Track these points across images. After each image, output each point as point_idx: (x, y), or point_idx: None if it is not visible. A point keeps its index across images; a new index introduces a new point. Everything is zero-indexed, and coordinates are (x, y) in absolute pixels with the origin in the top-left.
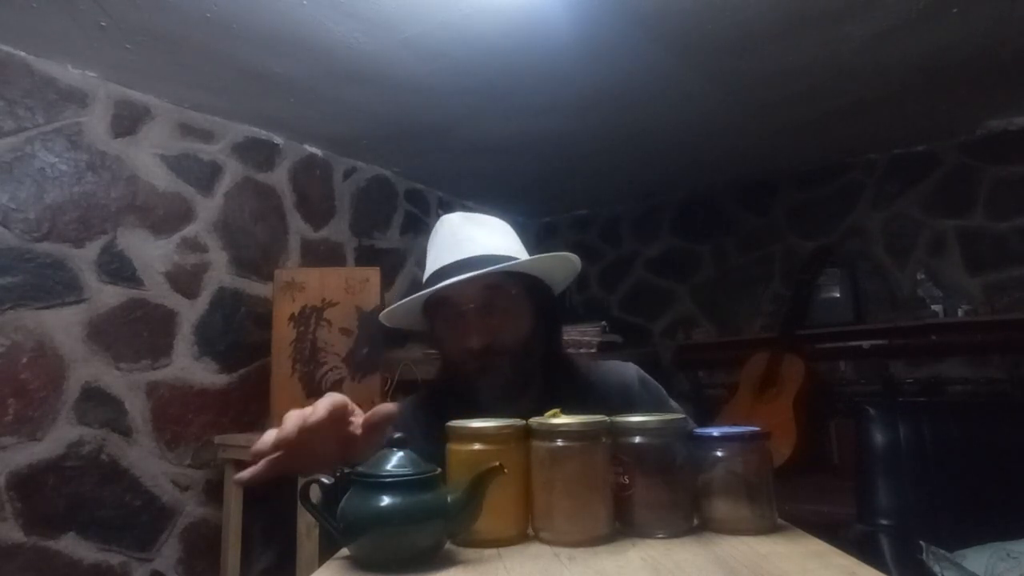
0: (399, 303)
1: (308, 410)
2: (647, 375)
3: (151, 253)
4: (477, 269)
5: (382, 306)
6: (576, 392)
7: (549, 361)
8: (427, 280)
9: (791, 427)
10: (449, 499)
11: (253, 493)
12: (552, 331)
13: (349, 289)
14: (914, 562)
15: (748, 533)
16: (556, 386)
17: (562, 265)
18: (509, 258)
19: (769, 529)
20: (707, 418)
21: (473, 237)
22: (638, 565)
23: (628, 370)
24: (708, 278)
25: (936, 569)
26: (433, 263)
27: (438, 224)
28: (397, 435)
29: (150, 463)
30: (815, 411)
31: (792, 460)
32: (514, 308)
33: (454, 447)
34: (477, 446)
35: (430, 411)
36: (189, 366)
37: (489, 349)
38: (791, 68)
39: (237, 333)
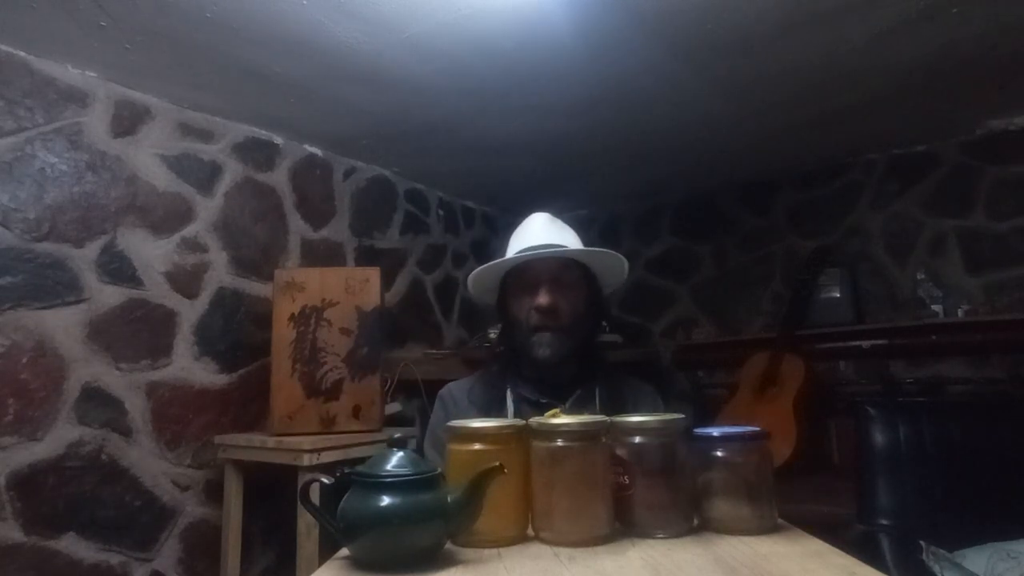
0: (499, 260)
1: None
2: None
3: (151, 253)
4: (556, 251)
5: (382, 306)
6: (609, 382)
7: (589, 346)
8: (517, 253)
9: (791, 427)
10: (449, 499)
11: (253, 493)
12: (596, 325)
13: (349, 289)
14: (914, 562)
15: (748, 533)
16: (592, 368)
17: (615, 268)
18: (591, 251)
19: (769, 529)
20: (707, 418)
21: (552, 231)
22: (638, 565)
23: (649, 386)
24: (708, 278)
25: (936, 569)
26: (520, 243)
27: (528, 219)
28: (397, 435)
29: (150, 463)
30: (815, 411)
31: (792, 460)
32: (576, 288)
33: (454, 447)
34: (477, 446)
35: (488, 385)
36: (189, 366)
37: (554, 308)
38: (791, 68)
39: (237, 333)
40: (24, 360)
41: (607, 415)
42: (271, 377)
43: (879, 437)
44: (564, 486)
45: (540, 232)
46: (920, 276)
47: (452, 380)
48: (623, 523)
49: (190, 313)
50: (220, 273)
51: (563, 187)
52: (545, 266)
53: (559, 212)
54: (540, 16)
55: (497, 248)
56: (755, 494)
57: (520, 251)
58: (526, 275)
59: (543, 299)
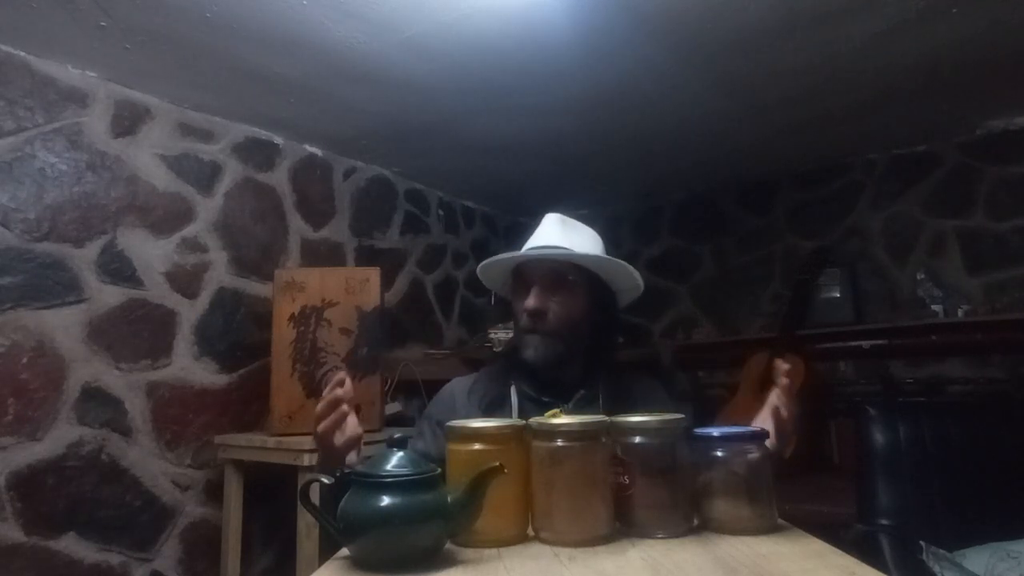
0: (495, 258)
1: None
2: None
3: (151, 253)
4: (545, 253)
5: (382, 306)
6: (615, 381)
7: (597, 351)
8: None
9: None
10: (449, 499)
11: (253, 493)
12: (606, 331)
13: (349, 289)
14: (914, 562)
15: (748, 533)
16: (598, 373)
17: (622, 273)
18: (580, 256)
19: (769, 529)
20: (707, 418)
21: (561, 232)
22: (638, 565)
23: (660, 386)
24: (708, 278)
25: (936, 569)
26: (529, 243)
27: (544, 219)
28: (397, 435)
29: (150, 463)
30: (815, 411)
31: (792, 460)
32: (570, 292)
33: (454, 447)
34: (477, 446)
35: (492, 381)
36: (189, 366)
37: (541, 313)
38: (791, 68)
39: (237, 333)
40: (24, 360)
41: (613, 414)
42: (271, 377)
43: (879, 437)
44: (564, 486)
45: (546, 234)
46: (920, 276)
47: (452, 380)
48: (623, 523)
49: (190, 313)
50: (220, 273)
51: (563, 187)
52: (539, 269)
53: (560, 212)
54: (540, 16)
55: (498, 248)
56: (755, 494)
57: (524, 249)
58: (522, 276)
59: (530, 302)
